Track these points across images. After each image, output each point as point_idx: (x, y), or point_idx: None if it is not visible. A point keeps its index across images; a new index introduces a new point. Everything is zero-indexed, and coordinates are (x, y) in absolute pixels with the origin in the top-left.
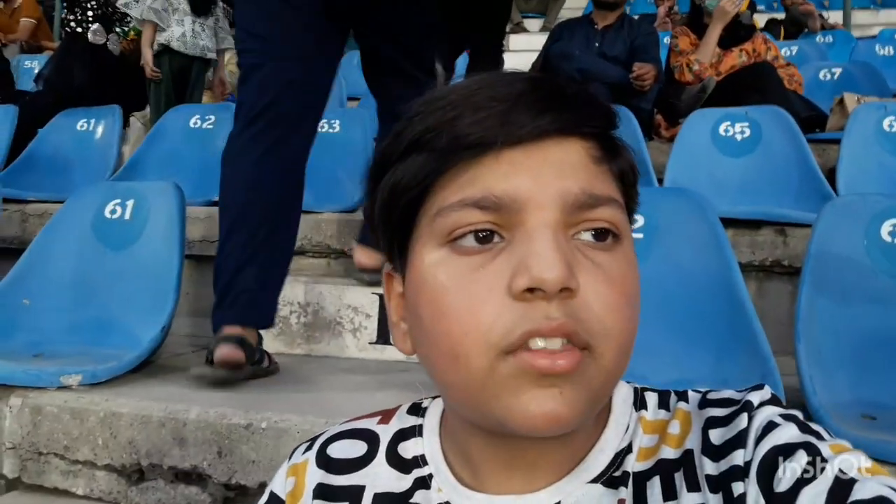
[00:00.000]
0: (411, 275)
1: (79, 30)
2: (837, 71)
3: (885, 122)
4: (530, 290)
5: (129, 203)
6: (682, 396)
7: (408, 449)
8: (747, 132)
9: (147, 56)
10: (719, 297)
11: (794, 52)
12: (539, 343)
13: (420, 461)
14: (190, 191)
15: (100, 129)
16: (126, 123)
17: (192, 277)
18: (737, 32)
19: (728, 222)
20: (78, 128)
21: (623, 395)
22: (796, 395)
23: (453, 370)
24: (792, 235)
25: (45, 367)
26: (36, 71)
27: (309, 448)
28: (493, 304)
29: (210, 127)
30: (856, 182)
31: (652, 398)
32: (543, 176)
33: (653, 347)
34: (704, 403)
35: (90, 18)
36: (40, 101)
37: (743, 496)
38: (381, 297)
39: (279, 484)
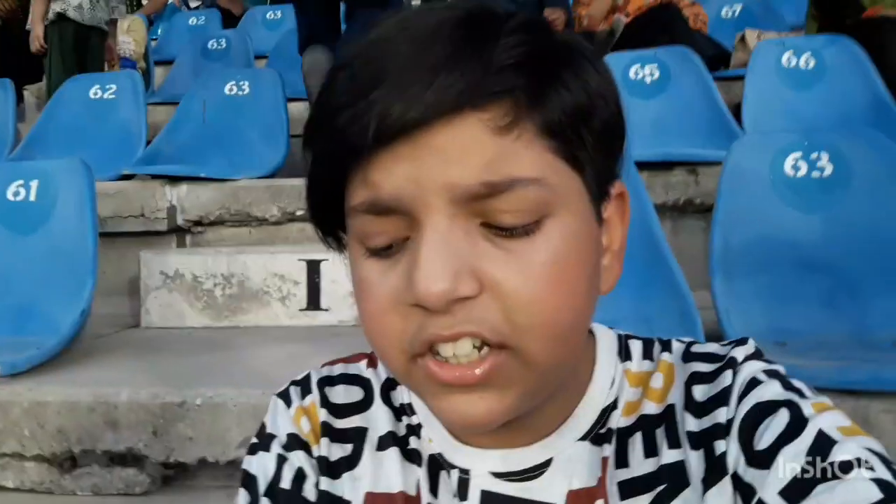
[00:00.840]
0: (349, 261)
1: None
2: (738, 7)
3: (784, 58)
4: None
5: (34, 184)
6: (666, 346)
7: (396, 396)
8: (657, 74)
9: (38, 30)
10: (637, 240)
11: None
12: (447, 350)
13: (408, 409)
14: (96, 166)
15: None
16: (20, 98)
17: (107, 255)
18: None
19: (642, 165)
20: None
21: (607, 344)
22: (714, 327)
23: (385, 363)
24: (703, 174)
25: None
26: None
27: (306, 391)
28: (399, 314)
29: (112, 97)
30: (761, 118)
31: (636, 347)
32: (426, 168)
33: None
34: (688, 357)
35: None
36: None
37: (724, 454)
38: (308, 262)
39: (289, 425)
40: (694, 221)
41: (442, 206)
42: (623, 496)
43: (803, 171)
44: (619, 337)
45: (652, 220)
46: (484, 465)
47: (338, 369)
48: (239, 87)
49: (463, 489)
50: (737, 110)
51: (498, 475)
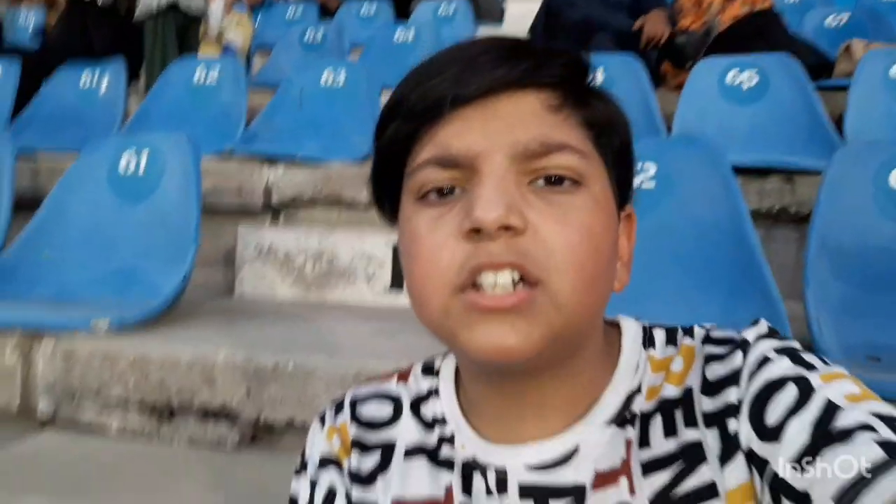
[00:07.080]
0: (399, 229)
1: None
2: (844, 17)
3: (893, 70)
4: (477, 230)
5: (144, 155)
6: (689, 332)
7: (428, 410)
8: (755, 80)
9: None
10: (730, 244)
11: None
12: (489, 279)
13: (441, 421)
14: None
15: (104, 84)
16: (136, 76)
17: (204, 229)
18: None
19: (736, 170)
20: (82, 82)
21: (632, 334)
22: (804, 338)
23: (421, 312)
24: (800, 183)
25: (74, 312)
26: (30, 27)
27: (339, 411)
28: (448, 248)
29: (214, 81)
30: (863, 129)
31: (660, 335)
32: (493, 129)
33: (666, 291)
34: (706, 340)
35: None
36: (49, 61)
37: (737, 433)
38: (394, 246)
39: (323, 445)
40: (788, 231)
41: (501, 159)
42: (645, 473)
43: None
44: (644, 327)
45: (745, 224)
46: (520, 459)
47: (371, 388)
48: (335, 78)
49: (502, 485)
50: (838, 121)
51: (532, 467)
